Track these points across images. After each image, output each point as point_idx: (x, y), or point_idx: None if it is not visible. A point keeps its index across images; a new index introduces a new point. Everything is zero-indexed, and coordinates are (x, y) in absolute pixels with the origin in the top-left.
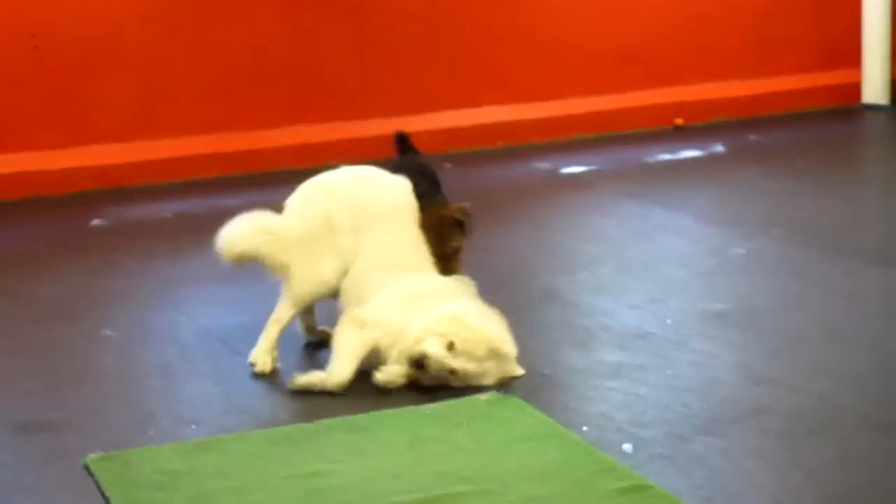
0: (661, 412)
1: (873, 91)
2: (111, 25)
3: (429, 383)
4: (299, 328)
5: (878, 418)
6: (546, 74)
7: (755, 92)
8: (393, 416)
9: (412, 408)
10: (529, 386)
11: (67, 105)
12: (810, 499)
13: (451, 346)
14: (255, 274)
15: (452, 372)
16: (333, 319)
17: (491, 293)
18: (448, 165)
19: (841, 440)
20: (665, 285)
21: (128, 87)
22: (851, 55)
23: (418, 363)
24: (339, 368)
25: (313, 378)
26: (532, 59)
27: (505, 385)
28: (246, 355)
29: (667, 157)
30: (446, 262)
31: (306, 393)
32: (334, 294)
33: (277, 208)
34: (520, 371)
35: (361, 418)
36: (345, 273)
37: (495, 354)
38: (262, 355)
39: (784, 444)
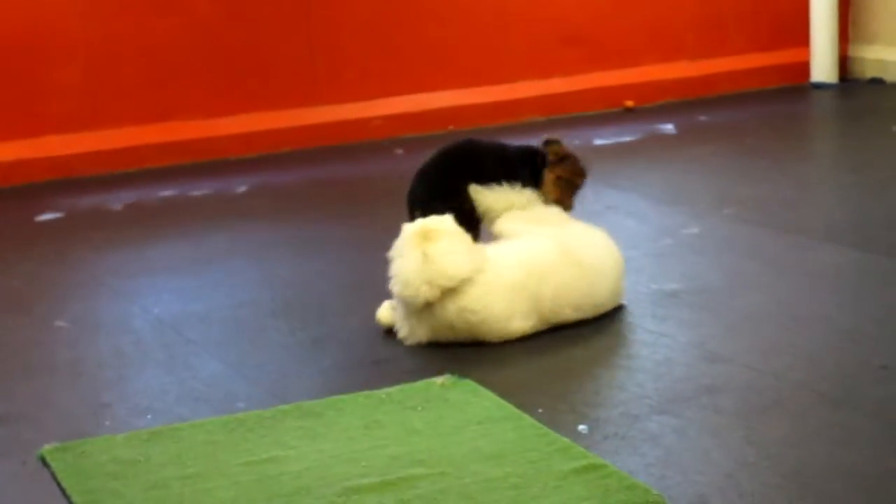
0: (615, 392)
1: (822, 70)
2: (56, 13)
3: None
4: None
5: (832, 395)
6: (495, 58)
7: (704, 72)
8: (348, 400)
9: (367, 392)
10: (484, 368)
11: (13, 96)
12: (765, 475)
13: None
14: (207, 262)
15: None
16: None
17: None
18: (399, 151)
19: (795, 417)
20: None
21: (75, 76)
22: (800, 34)
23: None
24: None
25: None
26: (481, 43)
27: (458, 368)
28: (199, 344)
29: (617, 138)
30: None
31: (261, 378)
32: None
33: (227, 197)
34: None
35: (316, 404)
36: None
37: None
38: None
39: (738, 421)
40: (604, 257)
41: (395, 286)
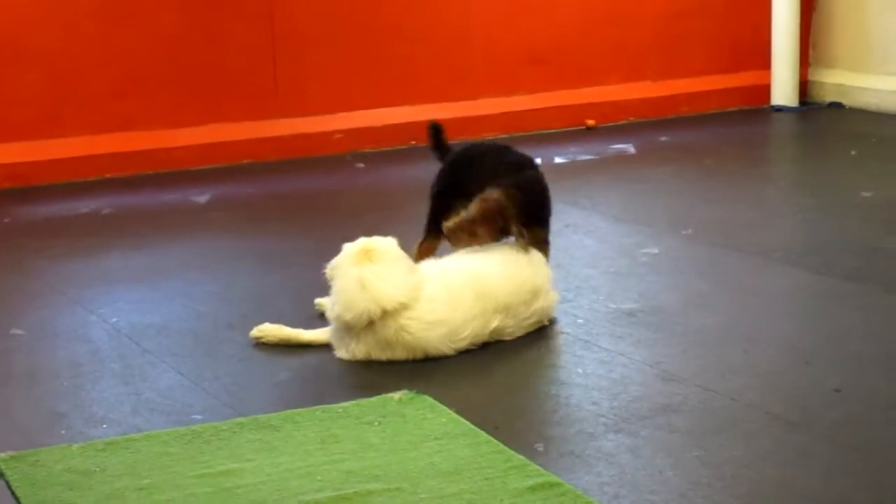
0: (571, 410)
1: (782, 93)
2: (16, 21)
3: None
4: None
5: (786, 416)
6: (457, 75)
7: (665, 93)
8: (304, 414)
9: (324, 406)
10: (440, 384)
11: None
12: (719, 496)
13: None
14: (165, 273)
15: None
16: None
17: None
18: (360, 165)
19: (749, 438)
20: (576, 284)
21: (34, 84)
22: (761, 57)
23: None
24: None
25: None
26: (443, 59)
27: (416, 384)
28: (156, 355)
29: (578, 157)
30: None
31: (218, 391)
32: None
33: (187, 208)
34: None
35: (273, 417)
36: None
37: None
38: None
39: (693, 441)
40: (536, 273)
41: (335, 308)
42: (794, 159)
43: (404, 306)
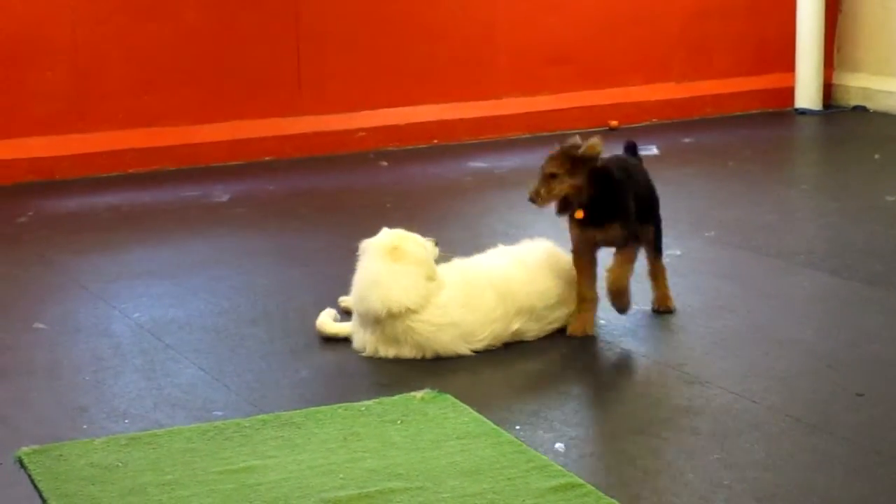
0: (593, 411)
1: (806, 96)
2: (44, 17)
3: None
4: None
5: (808, 419)
6: (481, 74)
7: (689, 94)
8: (326, 411)
9: (346, 404)
10: (462, 384)
11: (0, 97)
12: (739, 498)
13: None
14: (188, 269)
15: None
16: None
17: None
18: (383, 163)
19: (770, 440)
20: (598, 285)
21: (61, 79)
22: (785, 60)
23: None
24: None
25: None
26: (468, 58)
27: (438, 383)
28: (178, 350)
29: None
30: None
31: (239, 387)
32: None
33: (210, 204)
34: None
35: (295, 414)
36: None
37: None
38: None
39: (714, 443)
40: (564, 281)
41: (352, 297)
42: (817, 162)
43: (411, 311)
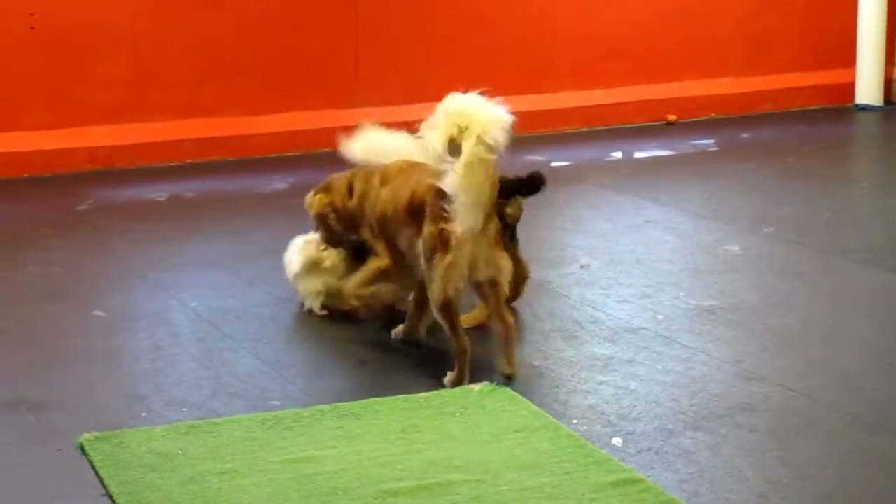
0: (650, 407)
1: (867, 92)
2: (104, 8)
3: None
4: None
5: (866, 418)
6: (538, 67)
7: (748, 90)
8: (386, 403)
9: (405, 396)
10: (520, 377)
11: (61, 86)
12: (797, 496)
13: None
14: (246, 259)
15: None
16: None
17: None
18: None
19: (829, 439)
20: (656, 280)
21: (122, 68)
22: (846, 55)
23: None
24: None
25: None
26: (525, 51)
27: (496, 376)
28: (236, 339)
29: (658, 152)
30: None
31: (296, 377)
32: None
33: (267, 195)
34: None
35: (354, 405)
36: None
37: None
38: None
39: (772, 441)
40: None
41: None
42: (877, 159)
43: None
